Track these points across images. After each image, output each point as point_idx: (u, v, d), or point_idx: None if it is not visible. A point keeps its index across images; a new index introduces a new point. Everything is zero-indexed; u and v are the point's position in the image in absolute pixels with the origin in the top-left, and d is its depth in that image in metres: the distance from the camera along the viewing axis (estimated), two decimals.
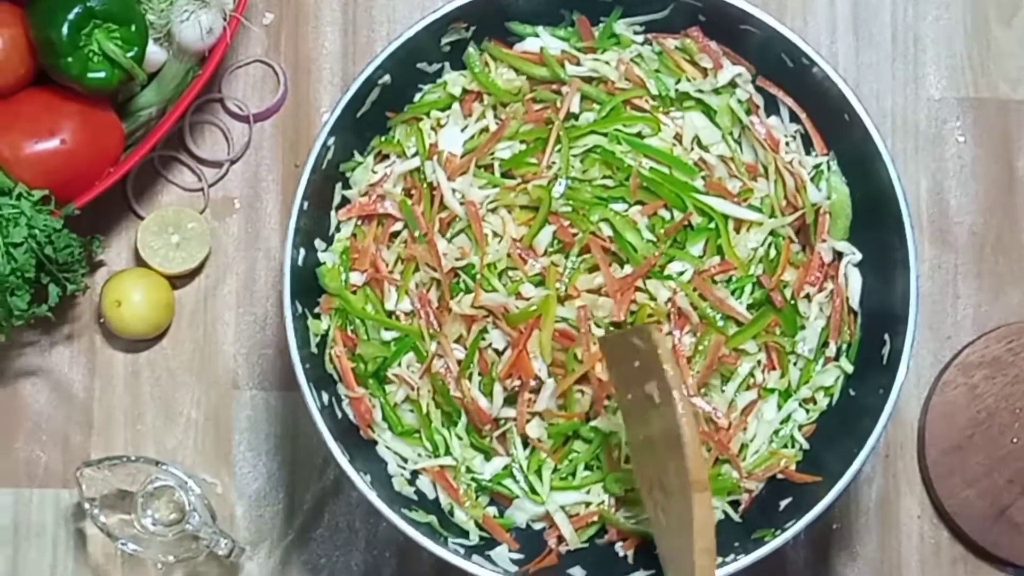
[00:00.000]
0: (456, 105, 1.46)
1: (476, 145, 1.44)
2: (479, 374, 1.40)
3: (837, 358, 1.43)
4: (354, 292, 1.44)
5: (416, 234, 1.43)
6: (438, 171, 1.43)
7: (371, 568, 1.56)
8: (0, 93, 1.49)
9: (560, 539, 1.42)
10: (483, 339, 1.40)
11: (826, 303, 1.44)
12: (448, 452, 1.42)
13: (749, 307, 1.41)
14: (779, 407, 1.43)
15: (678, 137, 1.44)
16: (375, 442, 1.44)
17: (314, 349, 1.42)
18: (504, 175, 1.44)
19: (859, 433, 1.36)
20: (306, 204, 1.39)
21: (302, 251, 1.41)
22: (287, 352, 1.38)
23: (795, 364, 1.43)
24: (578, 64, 1.45)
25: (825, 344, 1.43)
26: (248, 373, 1.58)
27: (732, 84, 1.45)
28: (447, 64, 1.47)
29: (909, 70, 1.64)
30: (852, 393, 1.42)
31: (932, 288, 1.60)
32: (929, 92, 1.63)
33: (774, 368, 1.43)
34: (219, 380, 1.58)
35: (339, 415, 1.42)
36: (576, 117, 1.44)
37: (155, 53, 1.51)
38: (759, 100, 1.47)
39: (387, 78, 1.42)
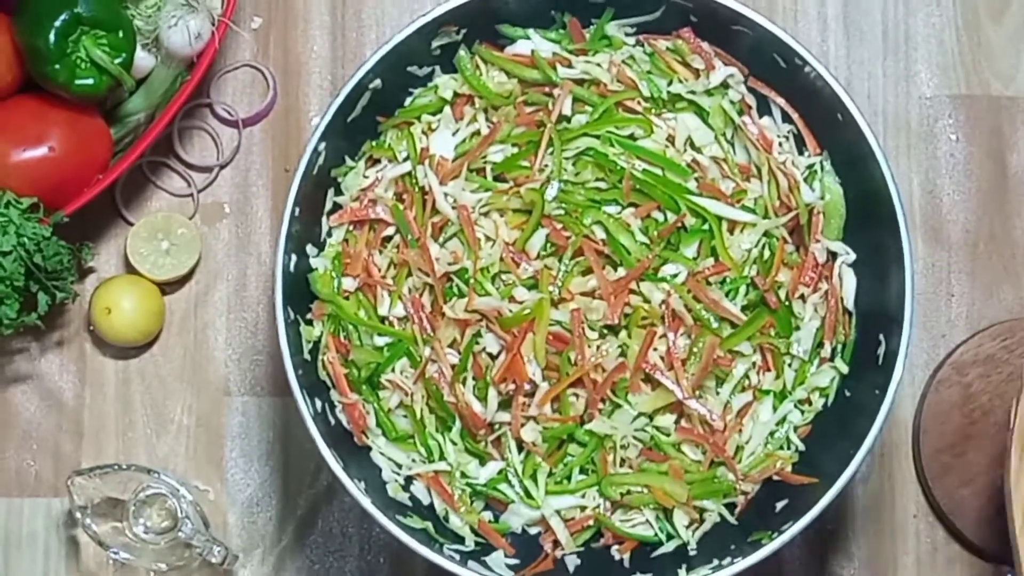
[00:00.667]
0: (447, 109, 1.46)
1: (468, 149, 1.43)
2: (473, 379, 1.40)
3: (832, 359, 1.43)
4: (346, 298, 1.43)
5: (408, 239, 1.42)
6: (430, 175, 1.42)
7: (365, 573, 1.55)
8: None
9: (556, 543, 1.42)
10: (477, 343, 1.39)
11: (821, 304, 1.43)
12: (442, 457, 1.42)
13: (743, 308, 1.41)
14: (774, 408, 1.42)
15: (671, 139, 1.44)
16: (369, 448, 1.43)
17: (307, 355, 1.41)
18: (496, 179, 1.43)
19: (855, 434, 1.35)
20: (297, 210, 1.38)
21: (294, 257, 1.40)
22: (279, 357, 1.37)
23: (790, 365, 1.43)
24: (569, 66, 1.45)
25: (820, 345, 1.43)
26: (240, 379, 1.58)
27: (724, 85, 1.45)
28: (438, 67, 1.47)
29: (900, 68, 1.63)
30: (847, 394, 1.42)
31: (926, 286, 1.60)
32: (921, 90, 1.63)
33: (769, 369, 1.42)
34: (210, 386, 1.58)
35: (332, 421, 1.41)
36: (568, 120, 1.43)
37: (143, 59, 1.50)
38: (751, 101, 1.46)
39: (378, 82, 1.41)
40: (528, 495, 1.41)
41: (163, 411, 1.57)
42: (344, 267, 1.44)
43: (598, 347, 1.39)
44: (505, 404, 1.40)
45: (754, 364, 1.42)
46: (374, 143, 1.46)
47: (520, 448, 1.41)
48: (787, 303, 1.41)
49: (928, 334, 1.59)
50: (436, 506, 1.42)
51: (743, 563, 1.34)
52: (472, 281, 1.39)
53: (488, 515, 1.43)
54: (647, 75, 1.45)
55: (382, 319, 1.43)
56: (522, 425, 1.39)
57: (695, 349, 1.39)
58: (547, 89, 1.45)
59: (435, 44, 1.44)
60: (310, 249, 1.43)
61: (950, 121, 1.62)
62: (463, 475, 1.42)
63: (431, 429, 1.42)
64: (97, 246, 1.58)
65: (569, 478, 1.42)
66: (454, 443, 1.41)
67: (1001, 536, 1.54)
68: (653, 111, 1.44)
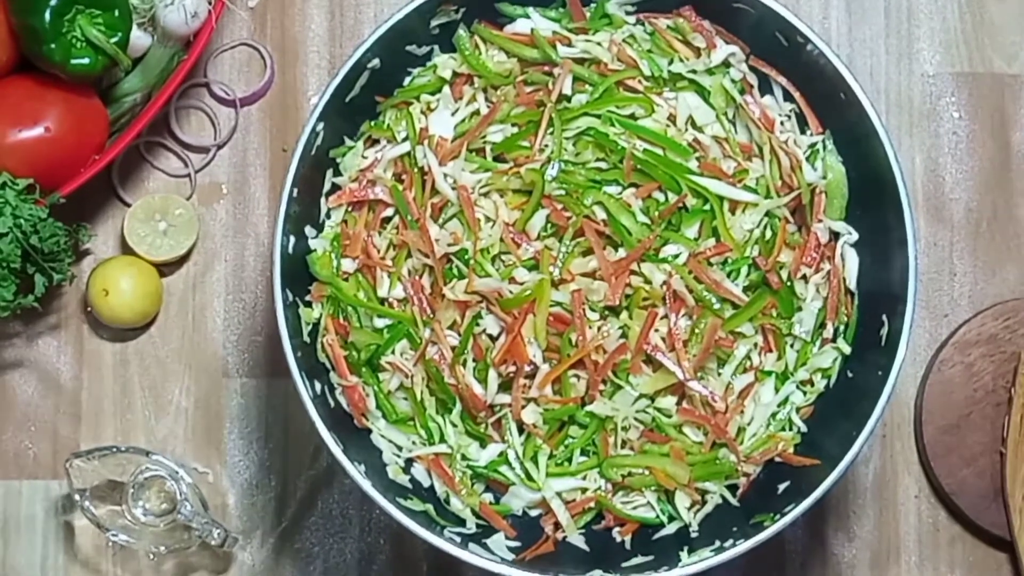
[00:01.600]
0: (446, 88, 1.45)
1: (467, 129, 1.43)
2: (473, 360, 1.39)
3: (834, 339, 1.42)
4: (346, 279, 1.43)
5: (408, 220, 1.41)
6: (429, 156, 1.41)
7: (365, 555, 1.55)
8: None
9: (557, 526, 1.41)
10: (477, 325, 1.38)
11: (823, 284, 1.42)
12: (443, 440, 1.41)
13: (745, 289, 1.40)
14: (776, 390, 1.42)
15: (672, 118, 1.43)
16: (369, 430, 1.42)
17: (306, 338, 1.40)
18: (496, 159, 1.42)
19: (858, 415, 1.35)
20: (296, 191, 1.37)
21: (292, 238, 1.39)
22: (277, 339, 1.36)
23: (792, 346, 1.42)
24: (570, 45, 1.44)
25: (822, 325, 1.42)
26: (238, 361, 1.57)
27: (726, 64, 1.44)
28: (437, 47, 1.45)
29: (903, 45, 1.62)
30: (850, 375, 1.41)
31: (928, 266, 1.59)
32: (923, 68, 1.62)
33: (771, 350, 1.42)
34: (209, 368, 1.57)
35: (332, 404, 1.41)
36: (568, 99, 1.42)
37: (139, 38, 1.49)
38: (753, 79, 1.45)
39: (376, 62, 1.40)
40: (529, 477, 1.40)
41: (161, 393, 1.57)
42: (343, 248, 1.43)
43: (599, 328, 1.38)
44: (505, 386, 1.39)
45: (756, 345, 1.41)
46: (373, 123, 1.45)
47: (521, 430, 1.40)
48: (789, 283, 1.41)
49: (930, 314, 1.59)
50: (437, 488, 1.42)
51: (745, 545, 1.33)
52: (472, 262, 1.38)
53: (489, 497, 1.43)
54: (648, 54, 1.44)
55: (382, 301, 1.42)
56: (523, 407, 1.39)
57: (696, 330, 1.38)
58: (547, 68, 1.44)
59: (434, 23, 1.43)
60: (309, 230, 1.42)
61: (953, 99, 1.61)
62: (464, 457, 1.41)
63: (431, 411, 1.41)
64: (94, 227, 1.57)
65: (570, 460, 1.41)
66: (454, 425, 1.41)
67: (1003, 517, 1.54)
68: (654, 90, 1.43)
